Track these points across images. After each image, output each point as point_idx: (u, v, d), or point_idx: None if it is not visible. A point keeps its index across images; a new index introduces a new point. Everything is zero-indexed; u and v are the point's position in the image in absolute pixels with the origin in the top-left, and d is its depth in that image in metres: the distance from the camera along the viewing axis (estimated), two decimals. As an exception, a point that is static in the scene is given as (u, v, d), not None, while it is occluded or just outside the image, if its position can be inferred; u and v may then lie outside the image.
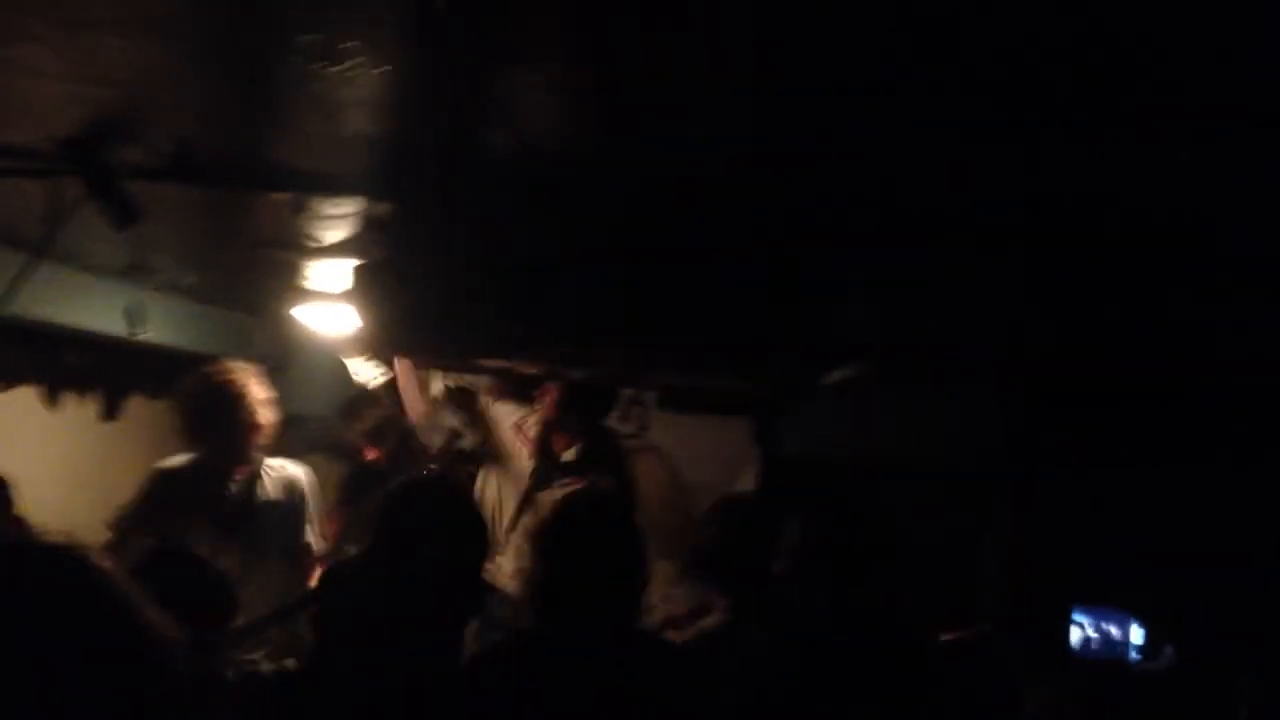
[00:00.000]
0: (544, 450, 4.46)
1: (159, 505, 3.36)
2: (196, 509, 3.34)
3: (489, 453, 5.10)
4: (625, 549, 2.22)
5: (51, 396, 4.16)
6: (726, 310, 3.24)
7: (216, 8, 1.50)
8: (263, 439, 3.50)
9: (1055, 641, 3.15)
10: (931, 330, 3.63)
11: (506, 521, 4.47)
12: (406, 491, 2.36)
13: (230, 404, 3.39)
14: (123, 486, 4.43)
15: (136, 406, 4.64)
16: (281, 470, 3.61)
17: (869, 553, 2.74)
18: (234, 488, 3.47)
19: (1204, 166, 1.98)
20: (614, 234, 2.78)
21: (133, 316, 3.96)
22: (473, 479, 4.68)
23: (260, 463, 3.54)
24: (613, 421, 5.25)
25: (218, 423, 3.40)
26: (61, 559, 0.89)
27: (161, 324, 4.17)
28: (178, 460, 3.51)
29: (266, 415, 3.47)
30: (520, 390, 5.12)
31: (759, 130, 1.99)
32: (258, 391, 3.46)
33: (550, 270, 2.98)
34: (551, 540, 2.21)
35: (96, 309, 3.84)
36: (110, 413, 4.51)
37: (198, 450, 3.47)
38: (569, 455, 4.46)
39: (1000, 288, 3.12)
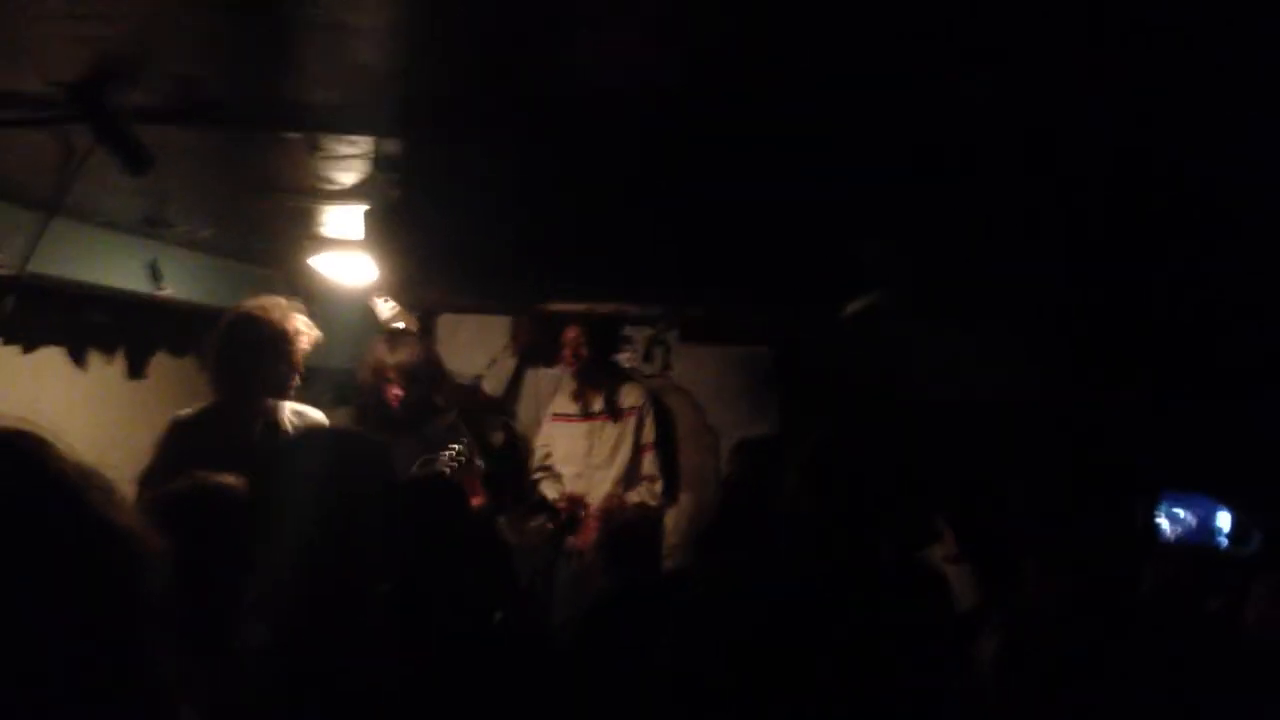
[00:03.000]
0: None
1: (178, 456, 3.23)
2: (217, 457, 3.29)
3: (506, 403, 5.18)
4: None
5: (76, 356, 4.16)
6: (748, 241, 3.20)
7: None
8: (294, 379, 3.42)
9: (1145, 528, 3.21)
10: (954, 264, 3.60)
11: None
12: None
13: (260, 341, 3.32)
14: (151, 442, 4.45)
15: (161, 364, 4.65)
16: (304, 416, 3.53)
17: (879, 478, 2.73)
18: (255, 434, 3.39)
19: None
20: (631, 169, 2.73)
21: (154, 272, 3.95)
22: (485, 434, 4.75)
23: (282, 408, 3.46)
24: (636, 363, 5.26)
25: (242, 360, 3.32)
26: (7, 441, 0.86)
27: (182, 279, 4.16)
28: (194, 409, 3.45)
29: (299, 353, 3.39)
30: (543, 341, 5.14)
31: (782, 62, 1.95)
32: (292, 328, 3.38)
33: (569, 208, 2.94)
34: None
35: (117, 265, 3.84)
36: (137, 371, 4.52)
37: (222, 393, 3.40)
38: (619, 403, 4.78)
39: (1023, 223, 3.08)
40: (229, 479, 2.27)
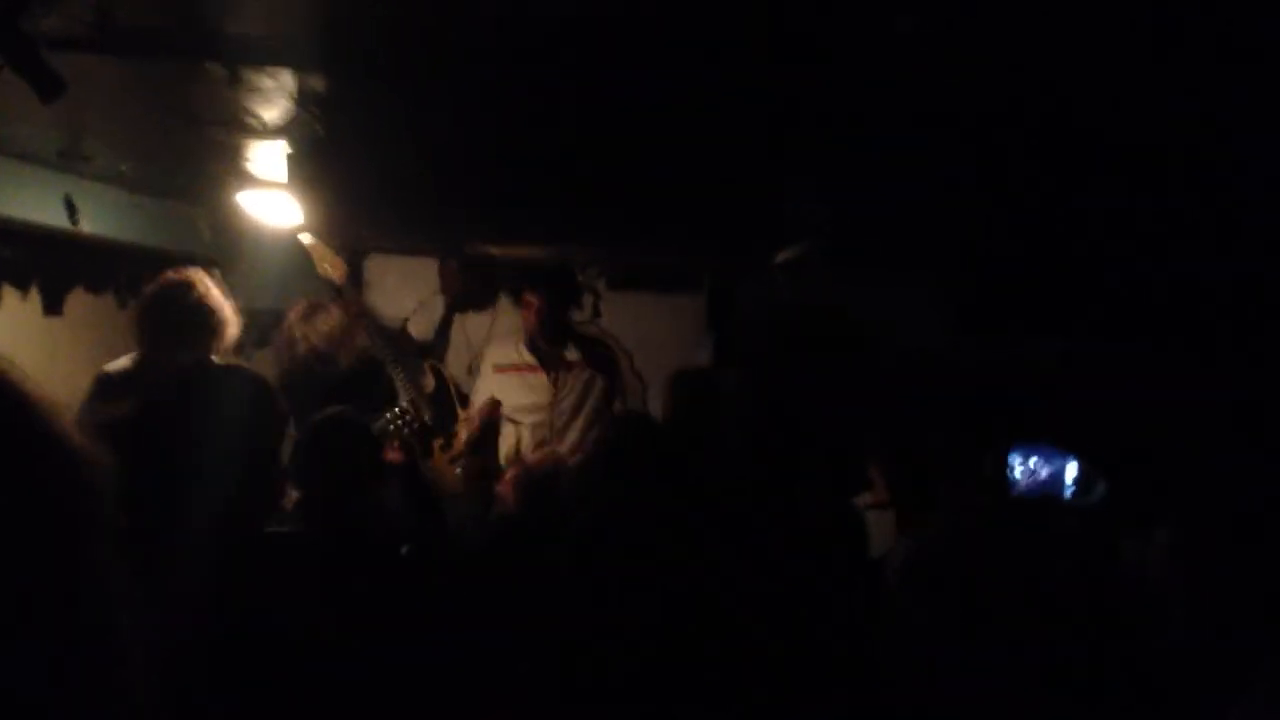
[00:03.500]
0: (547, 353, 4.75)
1: (104, 407, 3.31)
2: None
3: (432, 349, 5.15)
4: None
5: (-11, 292, 4.06)
6: (678, 187, 3.22)
7: None
8: (221, 346, 3.45)
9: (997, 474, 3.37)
10: (876, 214, 3.66)
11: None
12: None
13: (186, 309, 3.36)
14: (69, 382, 4.37)
15: (79, 301, 4.54)
16: (236, 365, 3.51)
17: (803, 422, 2.86)
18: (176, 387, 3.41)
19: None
20: (561, 111, 2.73)
21: (70, 206, 3.85)
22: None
23: (206, 364, 3.40)
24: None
25: (171, 328, 3.36)
26: None
27: (100, 215, 4.06)
28: (123, 361, 3.46)
29: (225, 321, 3.43)
30: (473, 285, 5.12)
31: (711, 13, 1.95)
32: (216, 296, 3.42)
33: (494, 150, 2.93)
34: None
35: (30, 199, 3.73)
36: (53, 308, 4.42)
37: (149, 353, 3.41)
38: (571, 355, 4.75)
39: (944, 175, 3.15)
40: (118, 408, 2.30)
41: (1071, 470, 3.74)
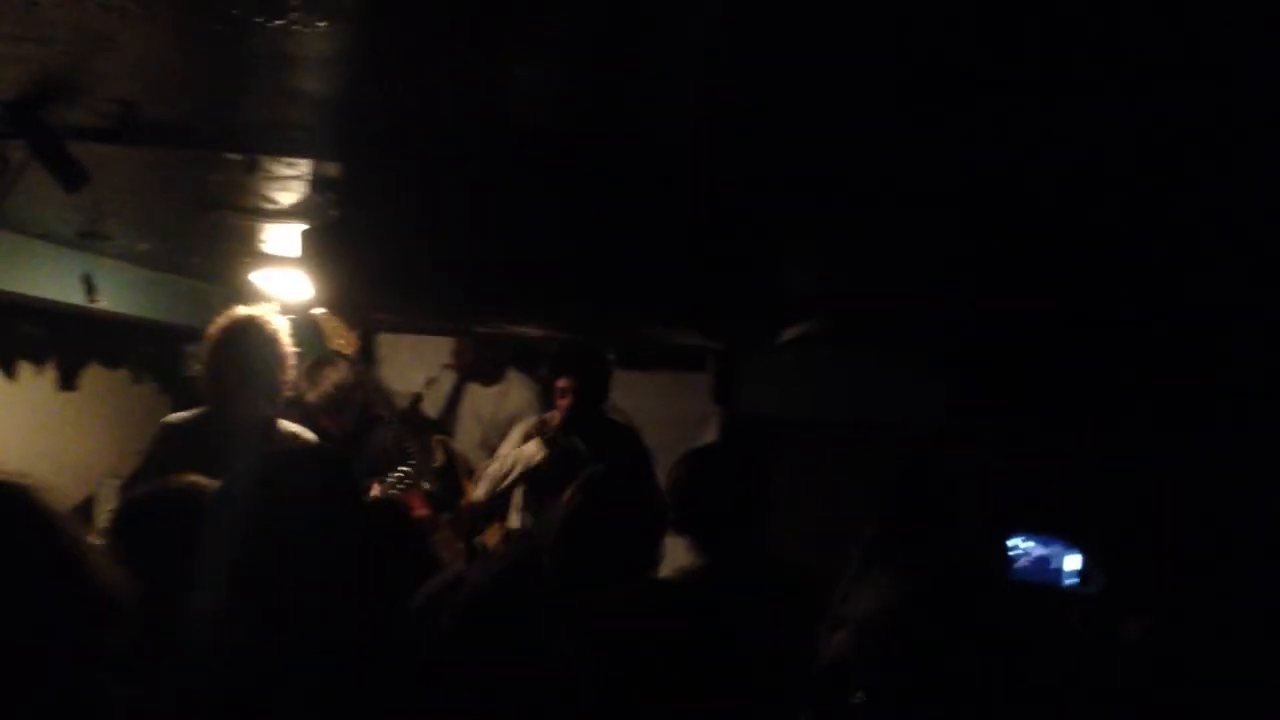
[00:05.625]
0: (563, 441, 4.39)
1: (165, 461, 3.05)
2: (204, 464, 3.12)
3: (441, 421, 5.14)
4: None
5: (6, 367, 4.12)
6: (685, 270, 3.27)
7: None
8: (284, 392, 3.33)
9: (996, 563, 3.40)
10: (876, 295, 3.72)
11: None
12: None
13: (252, 357, 3.21)
14: (82, 456, 4.41)
15: (94, 376, 4.61)
16: (291, 431, 3.41)
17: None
18: (243, 444, 3.14)
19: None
20: (572, 194, 2.79)
21: (89, 284, 3.93)
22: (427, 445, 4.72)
23: (273, 421, 3.34)
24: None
25: (235, 382, 3.21)
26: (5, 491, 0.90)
27: (117, 292, 4.14)
28: (187, 414, 3.33)
29: (288, 367, 3.30)
30: (483, 361, 5.15)
31: (710, 101, 2.02)
32: (282, 339, 3.27)
33: (501, 233, 2.99)
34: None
35: (51, 277, 3.81)
36: (68, 383, 4.48)
37: (214, 400, 3.28)
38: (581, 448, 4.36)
39: (941, 259, 3.20)
40: (200, 481, 2.26)
41: (1074, 561, 3.79)
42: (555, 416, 4.35)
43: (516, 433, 4.56)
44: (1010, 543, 3.81)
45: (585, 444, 4.35)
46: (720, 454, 3.55)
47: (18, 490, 0.90)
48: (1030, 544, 3.85)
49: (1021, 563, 3.83)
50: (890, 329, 3.99)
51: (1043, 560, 3.85)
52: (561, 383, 4.36)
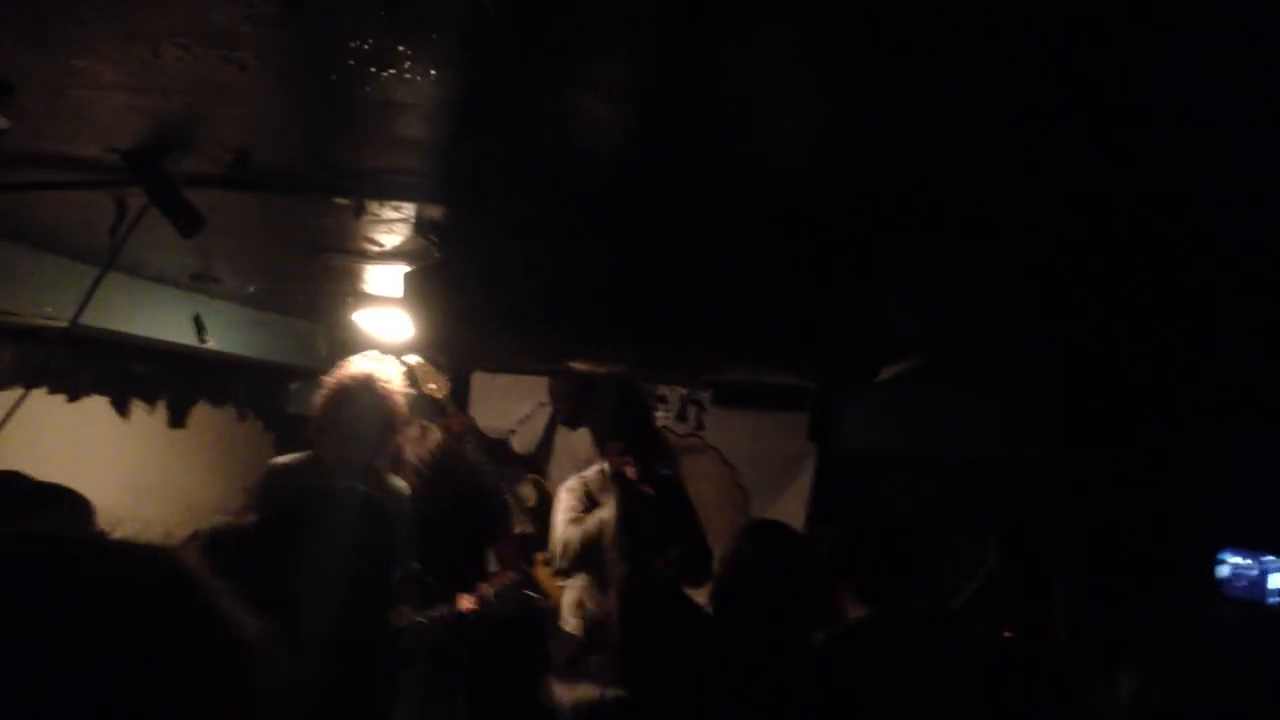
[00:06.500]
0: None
1: (266, 499, 3.18)
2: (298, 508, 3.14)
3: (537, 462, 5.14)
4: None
5: (119, 406, 4.25)
6: (782, 306, 3.23)
7: (271, 18, 1.53)
8: (391, 450, 3.37)
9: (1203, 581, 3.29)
10: (979, 330, 3.62)
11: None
12: None
13: (369, 407, 3.26)
14: (190, 492, 4.52)
15: (202, 414, 4.73)
16: (389, 479, 3.47)
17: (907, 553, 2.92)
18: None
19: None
20: (668, 235, 2.78)
21: (199, 325, 4.04)
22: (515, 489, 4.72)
23: (376, 469, 3.39)
24: (669, 421, 5.28)
25: (342, 435, 3.25)
26: (155, 562, 0.89)
27: (225, 332, 4.25)
28: (293, 456, 3.40)
29: (400, 422, 3.34)
30: (575, 398, 5.15)
31: (813, 137, 1.99)
32: (399, 398, 3.32)
33: (600, 274, 2.98)
34: None
35: (163, 318, 3.93)
36: (177, 421, 4.60)
37: (319, 450, 3.32)
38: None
39: (1045, 290, 3.11)
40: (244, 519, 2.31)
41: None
42: (620, 466, 4.07)
43: (564, 500, 4.29)
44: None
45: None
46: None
47: (166, 558, 0.89)
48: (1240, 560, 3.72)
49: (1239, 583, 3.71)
50: (995, 363, 3.87)
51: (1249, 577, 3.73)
52: (618, 446, 4.10)
